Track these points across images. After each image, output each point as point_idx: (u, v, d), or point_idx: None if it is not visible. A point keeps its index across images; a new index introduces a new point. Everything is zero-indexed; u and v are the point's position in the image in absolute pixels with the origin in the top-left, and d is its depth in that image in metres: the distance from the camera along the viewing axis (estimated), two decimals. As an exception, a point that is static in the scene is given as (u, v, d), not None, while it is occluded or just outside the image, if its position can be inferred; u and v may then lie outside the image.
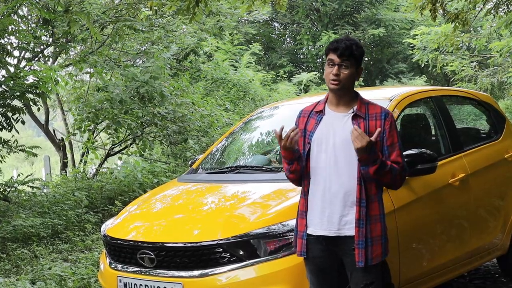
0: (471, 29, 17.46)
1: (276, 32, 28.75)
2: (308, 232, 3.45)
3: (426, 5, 8.31)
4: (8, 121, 8.27)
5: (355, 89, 3.52)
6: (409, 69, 26.44)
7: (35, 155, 8.71)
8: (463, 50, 15.85)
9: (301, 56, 27.62)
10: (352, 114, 3.42)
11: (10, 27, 8.35)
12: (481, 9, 10.25)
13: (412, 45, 16.76)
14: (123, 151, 11.70)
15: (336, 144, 3.39)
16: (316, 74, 22.25)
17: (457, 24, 8.93)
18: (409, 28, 24.97)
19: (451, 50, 13.47)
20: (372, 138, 3.26)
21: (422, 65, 16.55)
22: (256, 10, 17.60)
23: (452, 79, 17.16)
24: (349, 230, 3.36)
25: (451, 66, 15.56)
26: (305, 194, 3.49)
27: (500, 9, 10.22)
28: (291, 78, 22.24)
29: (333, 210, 3.38)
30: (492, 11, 9.78)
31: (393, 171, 3.34)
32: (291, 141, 3.36)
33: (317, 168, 3.42)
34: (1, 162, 8.59)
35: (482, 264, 5.71)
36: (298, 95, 18.44)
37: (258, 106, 14.73)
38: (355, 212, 3.34)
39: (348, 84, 3.42)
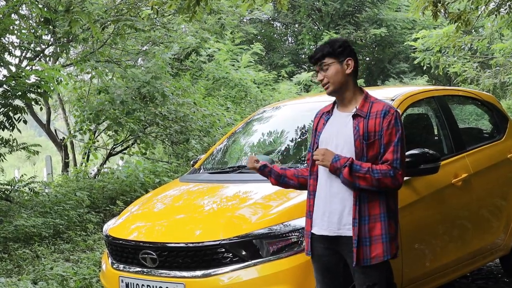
0: (473, 30, 17.40)
1: (278, 32, 28.74)
2: (312, 231, 3.46)
3: (428, 6, 8.30)
4: (10, 120, 8.27)
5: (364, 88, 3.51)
6: (411, 69, 26.43)
7: (36, 153, 8.70)
8: (465, 52, 15.78)
9: (303, 56, 27.60)
10: (353, 113, 3.40)
11: (11, 27, 8.34)
12: (484, 9, 10.23)
13: (414, 47, 16.72)
14: (125, 151, 11.71)
15: (339, 145, 3.38)
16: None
17: (459, 24, 8.91)
18: (410, 28, 24.96)
19: (453, 52, 13.43)
20: None
21: (425, 68, 16.51)
22: (257, 9, 17.56)
23: (455, 80, 17.11)
24: (349, 230, 3.34)
25: (454, 68, 15.50)
26: (310, 194, 3.49)
27: (501, 9, 10.20)
28: (291, 78, 22.23)
29: (333, 210, 3.38)
30: (494, 12, 9.76)
31: (373, 173, 3.26)
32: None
33: (321, 169, 3.43)
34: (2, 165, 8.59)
35: (485, 265, 5.69)
36: (299, 95, 18.43)
37: (260, 106, 14.71)
38: (352, 212, 3.33)
39: (338, 80, 3.41)
